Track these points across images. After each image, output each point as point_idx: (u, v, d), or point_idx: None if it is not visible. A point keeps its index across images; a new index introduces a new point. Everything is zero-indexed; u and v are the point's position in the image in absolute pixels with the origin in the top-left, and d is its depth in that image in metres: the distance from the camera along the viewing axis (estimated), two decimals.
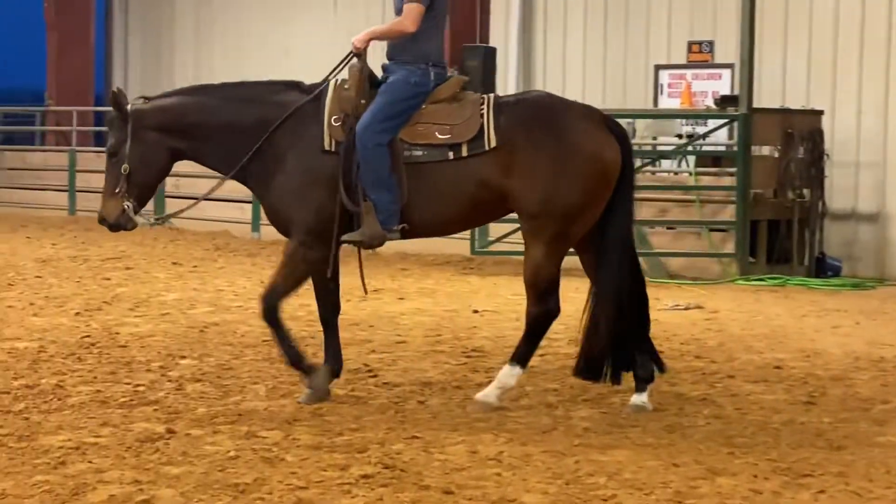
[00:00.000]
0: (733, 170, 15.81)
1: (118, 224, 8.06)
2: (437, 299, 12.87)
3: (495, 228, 16.30)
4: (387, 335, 10.55)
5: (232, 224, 19.58)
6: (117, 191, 8.01)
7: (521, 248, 14.99)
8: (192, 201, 8.77)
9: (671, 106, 18.87)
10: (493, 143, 7.80)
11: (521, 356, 8.02)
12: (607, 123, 8.03)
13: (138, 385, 8.40)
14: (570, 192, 7.74)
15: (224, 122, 8.04)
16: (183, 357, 9.40)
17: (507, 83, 21.69)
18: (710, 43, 18.92)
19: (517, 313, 11.77)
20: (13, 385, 8.32)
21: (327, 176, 7.85)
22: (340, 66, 8.14)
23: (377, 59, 8.15)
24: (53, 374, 8.70)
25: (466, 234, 16.25)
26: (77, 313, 11.40)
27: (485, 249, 16.30)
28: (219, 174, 8.26)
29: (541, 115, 7.90)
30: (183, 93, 8.36)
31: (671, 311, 12.23)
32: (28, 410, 7.63)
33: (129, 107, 8.02)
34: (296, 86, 8.19)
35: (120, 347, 9.78)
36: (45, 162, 24.35)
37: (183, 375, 8.73)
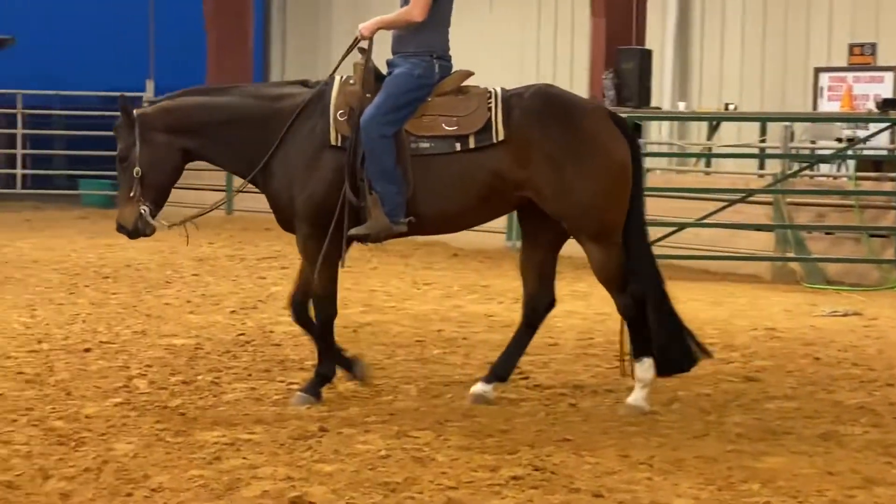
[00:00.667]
0: (895, 174, 15.48)
1: (137, 230, 8.03)
2: (589, 302, 12.78)
3: (650, 232, 16.17)
4: (538, 338, 10.45)
5: None
6: (131, 195, 8.01)
7: (677, 252, 14.88)
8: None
9: (831, 109, 18.55)
10: (502, 136, 7.78)
11: (641, 347, 7.96)
12: (613, 118, 8.05)
13: (292, 383, 8.49)
14: (589, 185, 7.74)
15: (229, 120, 8.05)
16: None
17: (663, 86, 21.55)
18: (873, 45, 18.58)
19: None
20: (170, 381, 8.47)
21: (333, 170, 7.84)
22: (348, 53, 8.15)
23: (382, 54, 8.10)
24: (209, 370, 8.83)
25: None
26: (233, 311, 11.56)
27: None
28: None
29: (553, 109, 7.86)
30: (188, 93, 8.35)
31: (829, 318, 12.00)
32: (185, 406, 7.76)
33: (134, 112, 8.07)
34: (302, 83, 8.24)
35: (274, 346, 9.89)
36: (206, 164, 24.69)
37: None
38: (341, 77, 8.07)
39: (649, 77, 20.39)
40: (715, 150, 19.82)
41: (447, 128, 7.83)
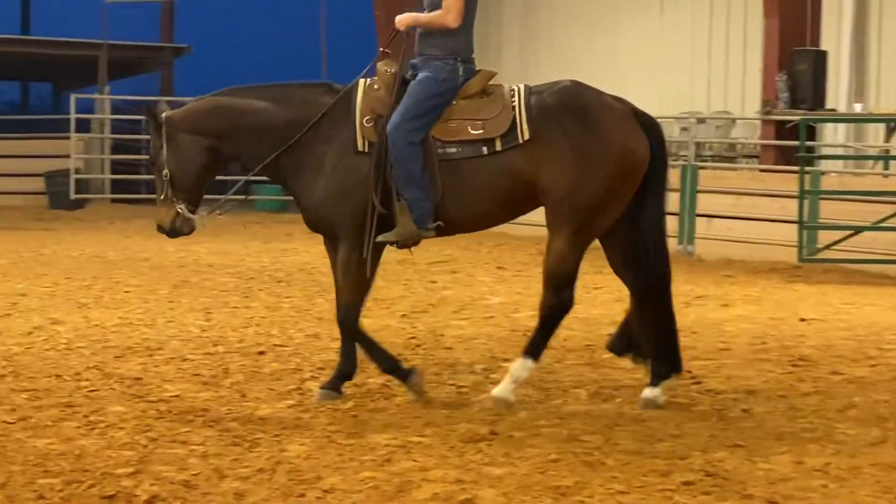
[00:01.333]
0: None
1: (175, 230, 8.15)
2: (762, 307, 12.60)
3: (825, 236, 15.90)
4: (710, 342, 10.40)
5: None
6: (163, 197, 8.12)
7: (853, 256, 14.59)
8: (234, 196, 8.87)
9: None
10: (527, 136, 7.77)
11: (534, 348, 7.97)
12: (638, 115, 7.93)
13: (462, 386, 8.52)
14: (596, 185, 7.68)
15: (253, 123, 8.07)
16: (506, 360, 9.44)
17: (839, 87, 21.15)
18: None
19: (846, 322, 11.47)
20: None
21: (364, 177, 7.84)
22: (387, 44, 8.12)
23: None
24: (381, 374, 8.89)
25: (793, 241, 15.90)
26: (404, 315, 11.64)
27: (813, 257, 15.89)
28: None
29: (572, 107, 7.82)
30: (214, 96, 8.36)
31: None
32: (356, 409, 7.83)
33: (162, 114, 8.13)
34: (327, 86, 8.20)
35: (444, 349, 9.94)
36: None
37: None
38: (365, 81, 8.06)
39: (824, 78, 20.03)
40: (893, 153, 19.38)
41: (473, 132, 7.83)
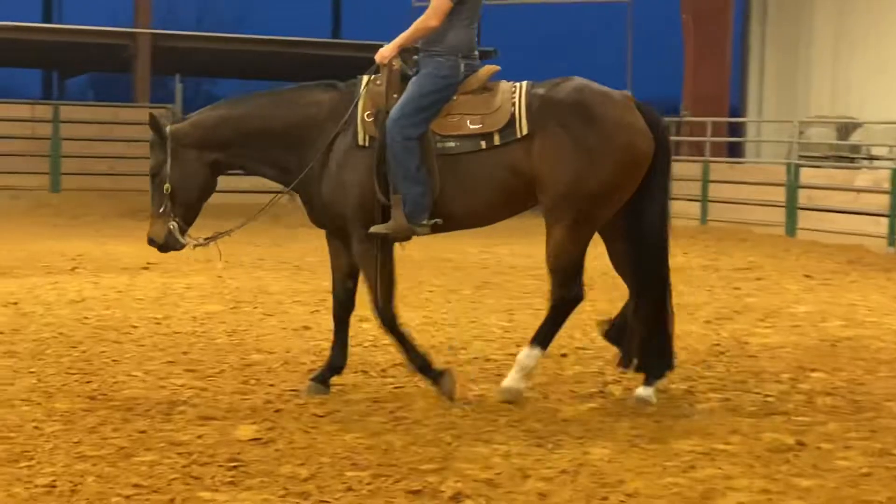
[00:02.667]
0: None
1: (167, 245, 8.05)
2: None
3: None
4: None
5: (866, 238, 19.06)
6: (161, 211, 8.02)
7: None
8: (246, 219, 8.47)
9: None
10: (525, 131, 7.73)
11: (542, 338, 7.99)
12: (641, 110, 7.84)
13: (767, 395, 8.33)
14: (597, 179, 7.64)
15: (260, 130, 8.03)
16: (813, 370, 9.23)
17: None
18: None
19: None
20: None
21: (367, 169, 7.84)
22: (370, 76, 8.03)
23: None
24: (683, 379, 8.78)
25: None
26: (707, 321, 11.47)
27: None
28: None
29: (574, 102, 7.76)
30: (218, 106, 8.31)
31: None
32: (659, 414, 7.72)
33: (167, 128, 8.02)
34: (332, 86, 8.15)
35: (749, 357, 9.74)
36: (678, 172, 24.65)
37: (813, 388, 8.57)
38: (369, 77, 8.01)
39: None
40: None
41: (472, 126, 7.81)
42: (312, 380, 8.26)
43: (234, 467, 6.31)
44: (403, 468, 6.36)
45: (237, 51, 31.39)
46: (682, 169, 24.63)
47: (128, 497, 5.83)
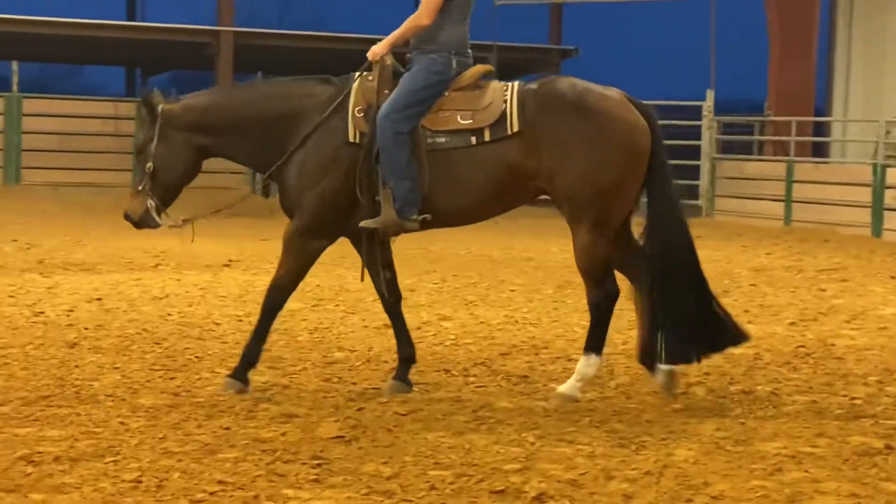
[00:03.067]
0: None
1: (142, 222, 8.12)
2: None
3: None
4: None
5: None
6: (141, 188, 8.09)
7: None
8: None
9: None
10: (516, 128, 7.75)
11: (594, 344, 7.98)
12: (636, 106, 7.88)
13: (855, 398, 8.22)
14: (605, 174, 7.67)
15: (253, 118, 8.06)
16: None
17: None
18: None
19: None
20: (730, 390, 8.41)
21: (349, 167, 7.87)
22: (362, 72, 8.05)
23: None
24: (769, 381, 8.70)
25: None
26: (791, 323, 11.36)
27: None
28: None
29: (568, 99, 7.77)
30: (212, 92, 8.44)
31: None
32: (744, 416, 7.66)
33: (160, 106, 8.07)
34: (325, 80, 8.16)
35: (835, 359, 9.63)
36: (762, 172, 24.50)
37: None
38: (361, 74, 8.00)
39: None
40: None
41: (463, 122, 7.84)
42: (394, 378, 8.25)
43: (318, 465, 6.32)
44: (486, 468, 6.34)
45: (318, 48, 31.54)
46: (766, 169, 24.43)
47: (212, 493, 5.85)
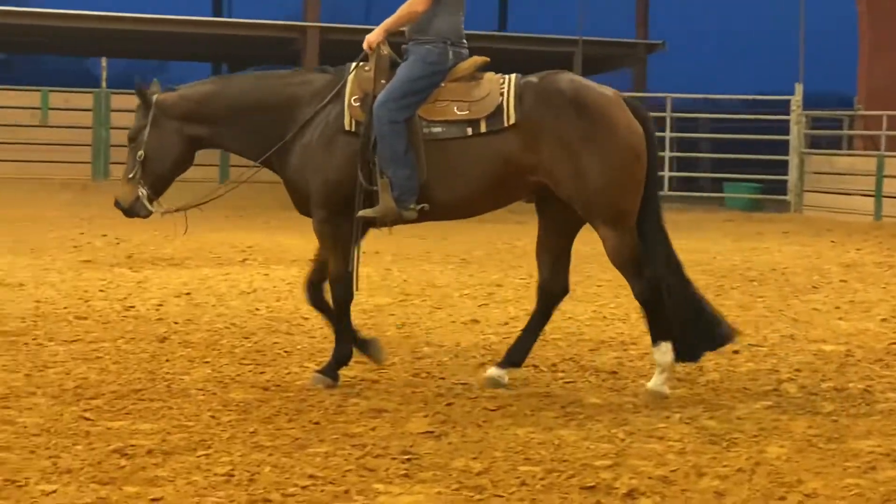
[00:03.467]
0: None
1: (132, 210, 8.17)
2: None
3: None
4: None
5: None
6: (131, 176, 8.13)
7: None
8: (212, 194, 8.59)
9: None
10: (513, 120, 7.77)
11: (660, 333, 7.92)
12: (629, 105, 7.93)
13: None
14: (605, 171, 7.70)
15: (246, 106, 8.12)
16: None
17: None
18: None
19: None
20: (821, 387, 8.32)
21: (347, 155, 7.90)
22: (358, 63, 8.11)
23: None
24: (861, 378, 8.61)
25: None
26: (883, 319, 11.23)
27: None
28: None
29: (567, 95, 7.78)
30: (209, 82, 8.45)
31: None
32: (836, 413, 7.58)
33: (154, 96, 8.13)
34: (321, 70, 8.25)
35: None
36: (852, 166, 24.24)
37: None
38: (357, 63, 8.02)
39: None
40: None
41: (459, 112, 7.87)
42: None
43: (408, 460, 6.33)
44: (576, 464, 6.31)
45: (401, 42, 31.54)
46: (856, 164, 24.17)
47: (304, 487, 5.87)
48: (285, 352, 9.27)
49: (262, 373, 8.50)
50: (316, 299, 8.35)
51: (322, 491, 5.85)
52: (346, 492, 5.84)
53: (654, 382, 7.94)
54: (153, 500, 5.65)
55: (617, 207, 7.81)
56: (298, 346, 9.47)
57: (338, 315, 8.19)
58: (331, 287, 8.17)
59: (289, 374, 8.50)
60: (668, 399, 7.82)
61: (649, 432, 6.98)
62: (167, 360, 8.84)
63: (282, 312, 11.05)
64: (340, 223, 8.01)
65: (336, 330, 8.23)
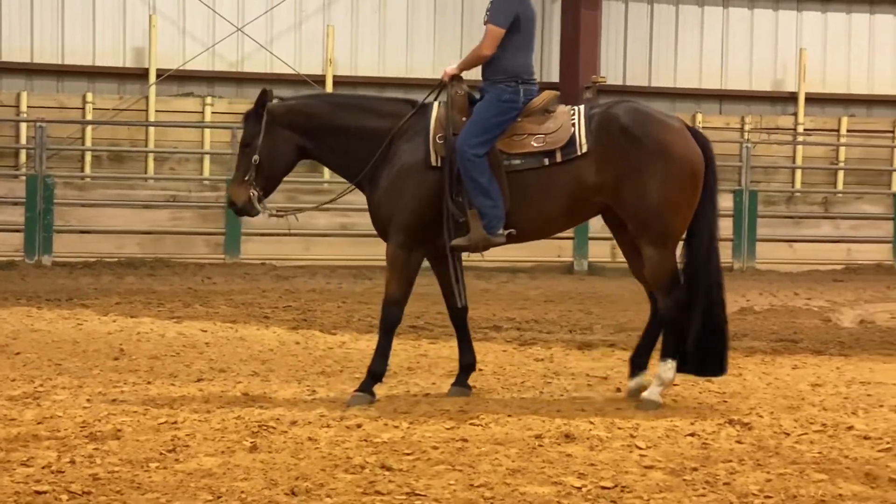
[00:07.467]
0: None
1: (244, 209, 8.80)
2: None
3: None
4: None
5: None
6: (246, 178, 8.75)
7: None
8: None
9: None
10: (585, 149, 8.50)
11: (670, 349, 8.55)
12: (690, 132, 8.64)
13: None
14: (663, 194, 8.39)
15: (343, 128, 8.76)
16: None
17: None
18: None
19: None
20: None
21: (429, 186, 8.55)
22: (434, 92, 8.81)
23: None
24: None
25: None
26: None
27: None
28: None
29: (631, 122, 8.50)
30: (314, 97, 9.62)
31: None
32: None
33: (267, 105, 8.73)
34: (410, 103, 8.87)
35: None
36: None
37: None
38: (439, 101, 8.72)
39: None
40: None
41: (535, 145, 8.56)
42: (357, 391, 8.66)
43: None
44: None
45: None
46: None
47: None
48: None
49: None
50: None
51: None
52: None
53: (650, 392, 8.52)
54: None
55: (666, 229, 8.49)
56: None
57: (383, 332, 8.70)
58: (384, 307, 8.67)
59: None
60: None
61: None
62: None
63: None
64: (414, 250, 8.63)
65: (378, 346, 8.73)
